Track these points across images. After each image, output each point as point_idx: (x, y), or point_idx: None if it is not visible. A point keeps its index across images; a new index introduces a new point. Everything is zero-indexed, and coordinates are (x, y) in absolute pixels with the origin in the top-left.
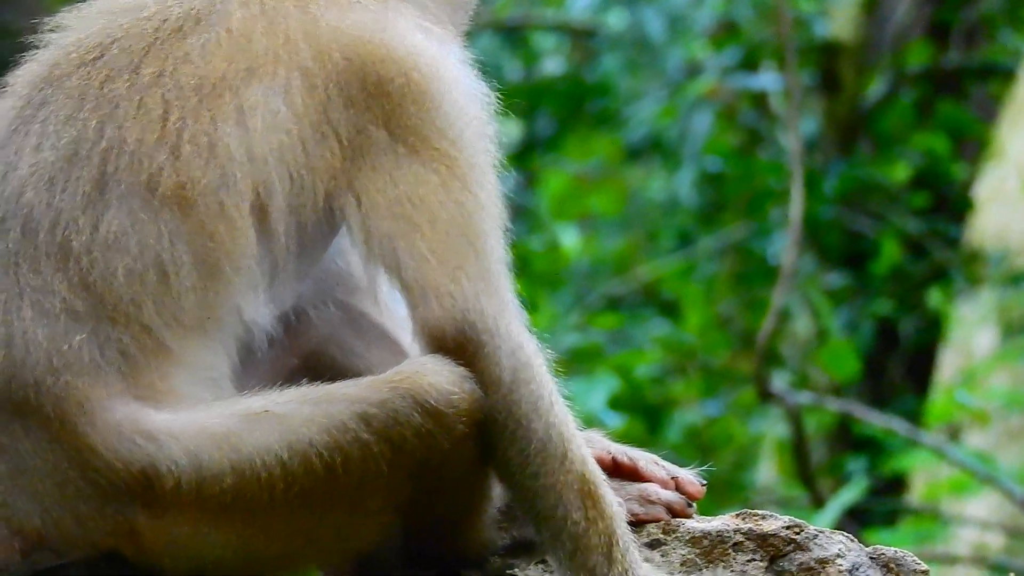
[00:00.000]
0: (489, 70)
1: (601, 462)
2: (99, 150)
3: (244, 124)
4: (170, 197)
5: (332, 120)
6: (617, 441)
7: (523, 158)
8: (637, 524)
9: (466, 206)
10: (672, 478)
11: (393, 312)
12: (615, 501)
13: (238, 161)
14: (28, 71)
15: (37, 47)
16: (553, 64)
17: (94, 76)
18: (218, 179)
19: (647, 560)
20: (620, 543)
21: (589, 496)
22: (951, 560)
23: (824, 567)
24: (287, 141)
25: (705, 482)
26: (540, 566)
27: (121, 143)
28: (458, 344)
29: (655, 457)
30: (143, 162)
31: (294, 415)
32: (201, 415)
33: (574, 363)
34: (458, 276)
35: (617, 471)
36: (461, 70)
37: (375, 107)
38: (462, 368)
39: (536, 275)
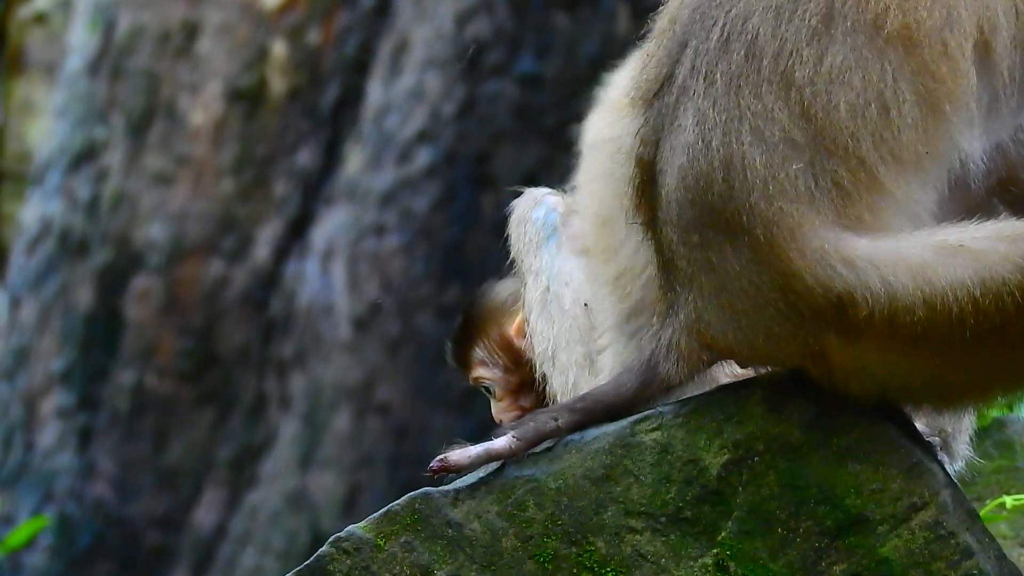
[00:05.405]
0: None
1: None
2: None
3: None
4: (895, 36)
5: None
6: None
7: None
8: None
9: None
10: None
11: None
12: None
13: (964, 0)
14: None
15: None
16: None
17: None
18: (943, 19)
19: None
20: None
21: None
22: None
23: None
24: None
25: None
26: None
27: None
28: None
29: None
30: (870, 1)
31: (989, 251)
32: (899, 245)
33: None
34: None
35: None
36: None
37: None
38: None
39: None
